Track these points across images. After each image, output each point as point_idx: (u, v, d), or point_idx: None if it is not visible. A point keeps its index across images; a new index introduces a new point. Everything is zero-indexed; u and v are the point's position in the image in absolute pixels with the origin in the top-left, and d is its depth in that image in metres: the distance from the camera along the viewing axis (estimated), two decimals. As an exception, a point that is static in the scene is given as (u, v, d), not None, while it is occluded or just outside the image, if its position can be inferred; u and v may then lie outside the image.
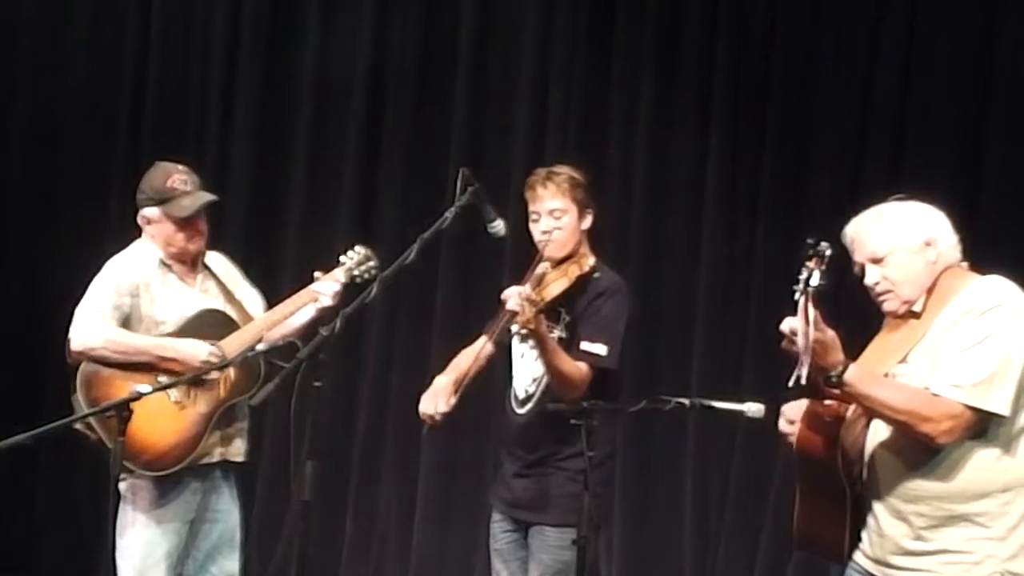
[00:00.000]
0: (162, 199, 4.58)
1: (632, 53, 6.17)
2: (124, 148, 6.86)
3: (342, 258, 4.73)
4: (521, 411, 4.40)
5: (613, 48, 6.23)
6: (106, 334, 4.44)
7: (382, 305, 6.21)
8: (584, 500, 4.02)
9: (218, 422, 4.56)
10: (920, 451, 3.32)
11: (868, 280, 3.45)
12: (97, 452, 4.34)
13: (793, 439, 3.48)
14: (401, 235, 5.99)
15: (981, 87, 5.64)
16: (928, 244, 3.43)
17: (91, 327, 4.45)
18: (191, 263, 4.67)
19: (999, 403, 3.25)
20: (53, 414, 4.07)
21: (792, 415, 3.48)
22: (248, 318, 4.67)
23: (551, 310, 4.27)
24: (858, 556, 3.47)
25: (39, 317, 6.56)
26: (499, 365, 4.59)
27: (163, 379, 4.40)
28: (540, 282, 4.24)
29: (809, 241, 3.15)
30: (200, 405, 4.53)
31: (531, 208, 4.40)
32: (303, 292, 4.65)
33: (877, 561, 3.42)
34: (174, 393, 4.47)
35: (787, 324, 3.16)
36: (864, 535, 3.45)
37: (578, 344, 4.27)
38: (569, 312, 4.33)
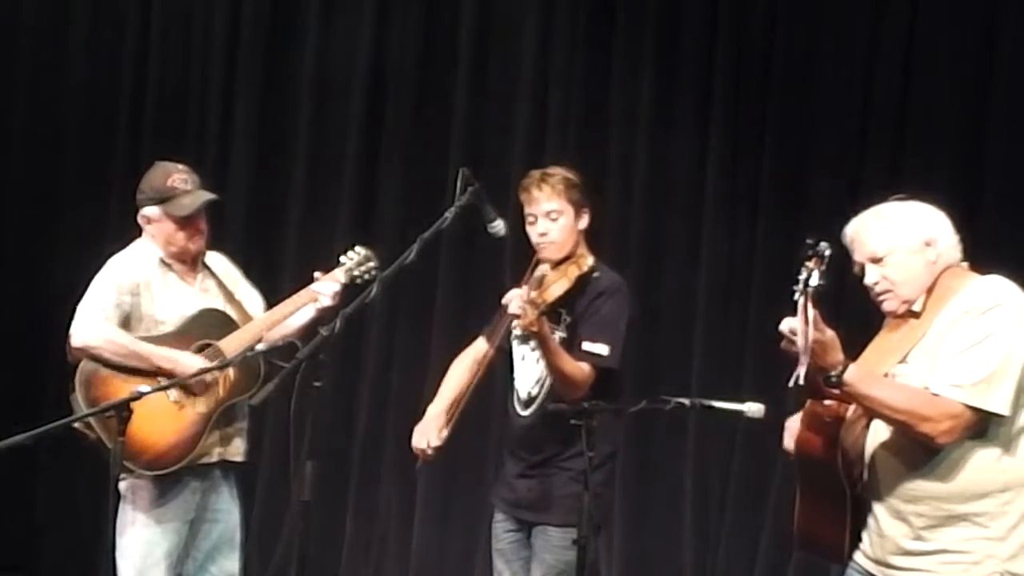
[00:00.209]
0: (162, 198, 4.59)
1: (632, 53, 6.17)
2: (124, 148, 6.86)
3: (342, 258, 4.74)
4: (525, 413, 4.41)
5: (613, 48, 6.23)
6: (107, 334, 4.44)
7: (382, 305, 6.21)
8: (584, 500, 4.02)
9: (217, 422, 4.56)
10: (920, 451, 3.32)
11: (868, 280, 3.45)
12: (97, 452, 4.34)
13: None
14: (401, 235, 5.99)
15: (981, 87, 5.64)
16: (928, 244, 3.43)
17: (92, 325, 4.45)
18: (191, 262, 4.68)
19: (999, 403, 3.25)
20: (53, 414, 4.07)
21: (795, 435, 3.49)
22: (248, 318, 4.67)
23: (552, 311, 4.27)
24: (858, 556, 3.47)
25: (39, 317, 6.56)
26: (500, 367, 4.59)
27: (163, 379, 4.40)
28: (540, 284, 4.24)
29: (808, 241, 3.15)
30: (199, 405, 4.53)
31: (527, 210, 4.40)
32: (303, 292, 4.65)
33: (877, 561, 3.42)
34: (173, 393, 4.47)
35: (786, 324, 3.16)
36: (864, 535, 3.46)
37: (579, 344, 4.27)
38: (570, 313, 4.33)
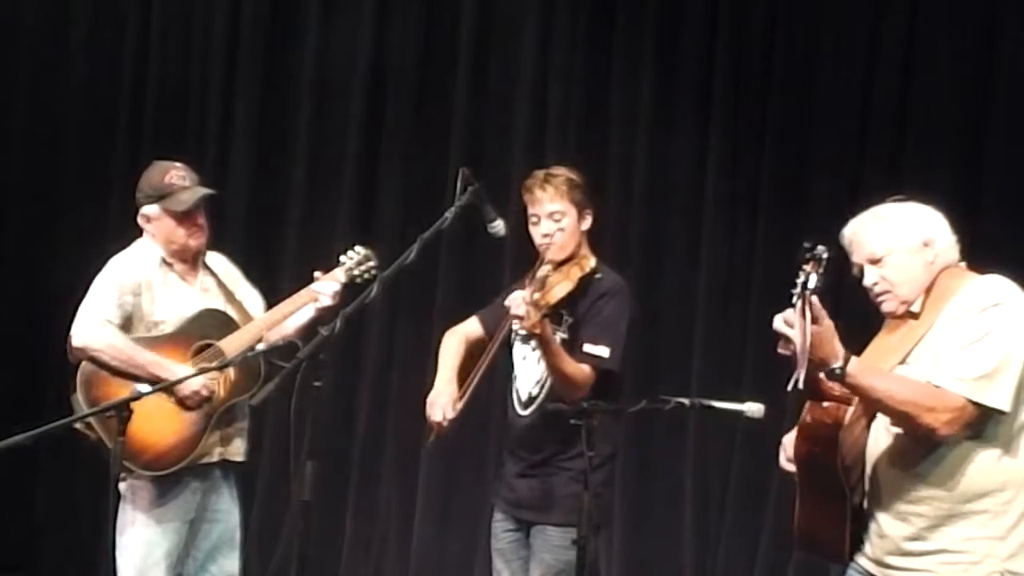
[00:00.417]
0: (160, 195, 4.59)
1: (632, 53, 6.17)
2: (124, 148, 6.86)
3: (342, 258, 4.74)
4: (524, 413, 4.41)
5: (613, 48, 6.23)
6: (109, 339, 4.44)
7: (382, 305, 6.21)
8: (584, 500, 4.02)
9: (218, 422, 4.56)
10: (920, 451, 3.32)
11: (867, 281, 3.46)
12: (97, 452, 4.34)
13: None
14: (401, 235, 5.99)
15: (981, 87, 5.64)
16: (926, 244, 3.43)
17: (94, 328, 4.45)
18: (192, 262, 4.68)
19: (1000, 399, 3.25)
20: (53, 414, 4.06)
21: (791, 452, 3.49)
22: (248, 318, 4.67)
23: (553, 312, 4.27)
24: (859, 556, 3.47)
25: (39, 317, 6.57)
26: (500, 367, 4.59)
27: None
28: (543, 285, 4.24)
29: (806, 245, 3.15)
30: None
31: (530, 211, 4.40)
32: (303, 292, 4.65)
33: (877, 562, 3.42)
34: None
35: (779, 321, 3.16)
36: (865, 536, 3.46)
37: (580, 346, 4.27)
38: (571, 314, 4.33)
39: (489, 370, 4.40)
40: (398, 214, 6.43)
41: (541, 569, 4.32)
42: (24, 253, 6.95)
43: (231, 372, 4.55)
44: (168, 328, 4.55)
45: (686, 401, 4.16)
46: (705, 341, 5.98)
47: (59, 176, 7.00)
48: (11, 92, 7.08)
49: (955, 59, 5.67)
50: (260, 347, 4.54)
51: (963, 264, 3.49)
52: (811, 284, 3.11)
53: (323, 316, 4.56)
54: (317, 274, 4.68)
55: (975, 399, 3.23)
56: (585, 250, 4.41)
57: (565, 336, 4.31)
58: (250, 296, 4.81)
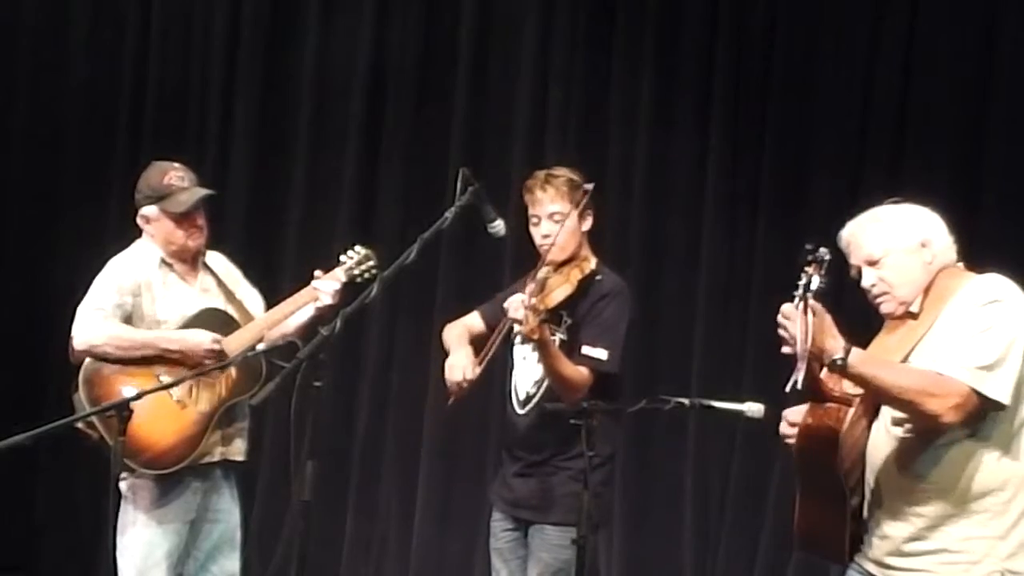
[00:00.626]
0: (159, 196, 4.59)
1: (632, 53, 6.17)
2: (124, 148, 6.86)
3: (342, 257, 4.73)
4: (522, 412, 4.41)
5: (613, 48, 6.23)
6: (109, 331, 4.45)
7: (382, 305, 6.21)
8: (584, 499, 4.02)
9: (219, 421, 4.56)
10: (920, 451, 3.32)
11: (865, 283, 3.46)
12: (97, 452, 4.34)
13: (793, 442, 3.48)
14: (401, 235, 5.99)
15: (981, 87, 5.64)
16: (923, 245, 3.44)
17: (94, 325, 4.46)
18: (192, 262, 4.68)
19: (1000, 391, 3.25)
20: (53, 414, 4.06)
21: (793, 418, 3.48)
22: (249, 317, 4.67)
23: (553, 313, 4.27)
24: (859, 557, 3.47)
25: (39, 317, 6.57)
26: (500, 366, 4.59)
27: (165, 378, 4.41)
28: (543, 288, 4.24)
29: (808, 247, 3.15)
30: (201, 404, 4.53)
31: (531, 211, 4.39)
32: (303, 291, 4.65)
33: (877, 562, 3.42)
34: (176, 392, 4.47)
35: (784, 310, 3.16)
36: (865, 536, 3.46)
37: (579, 348, 4.27)
38: (571, 315, 4.33)
39: (502, 347, 4.39)
40: (398, 214, 6.43)
41: (539, 568, 4.32)
42: (24, 253, 6.95)
43: (232, 371, 4.55)
44: (169, 328, 4.55)
45: (686, 401, 4.16)
46: (705, 341, 5.98)
47: (59, 176, 7.00)
48: (11, 92, 7.08)
49: (955, 59, 5.67)
50: (260, 347, 4.54)
51: (961, 264, 3.49)
52: (813, 286, 3.11)
53: (323, 315, 4.56)
54: (317, 273, 4.68)
55: (978, 388, 3.23)
56: (586, 251, 4.41)
57: (564, 337, 4.31)
58: (250, 295, 4.81)
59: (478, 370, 4.30)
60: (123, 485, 4.45)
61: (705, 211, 6.04)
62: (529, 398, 4.39)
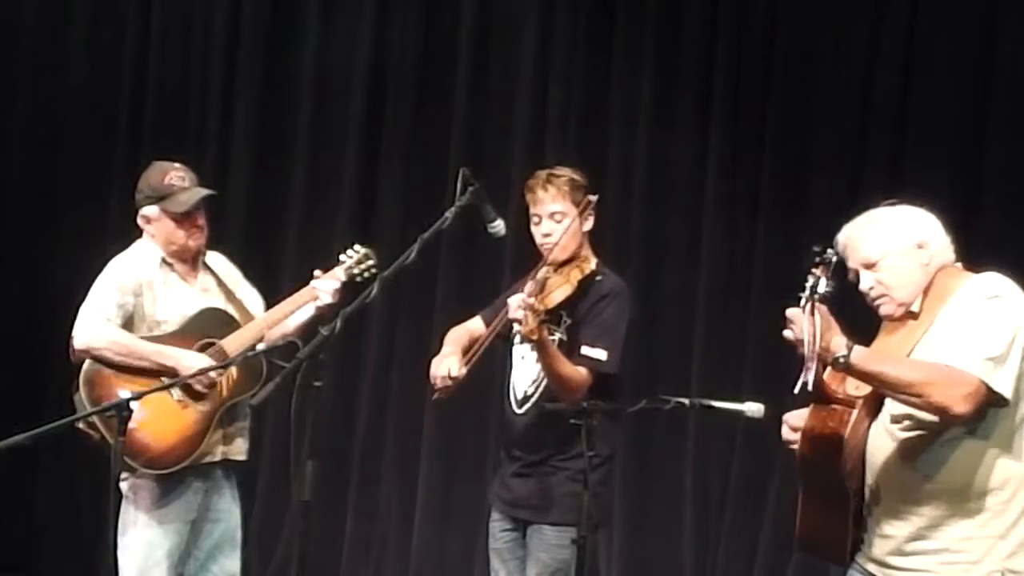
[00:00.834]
0: (160, 196, 4.59)
1: (632, 53, 6.17)
2: (124, 148, 6.86)
3: (342, 257, 4.74)
4: (520, 411, 4.40)
5: (613, 48, 6.23)
6: (110, 335, 4.45)
7: (382, 305, 6.21)
8: (584, 499, 4.02)
9: (220, 421, 4.56)
10: (920, 450, 3.32)
11: (863, 286, 3.46)
12: (97, 452, 4.34)
13: (795, 447, 3.48)
14: (401, 235, 5.99)
15: (981, 87, 5.64)
16: (920, 247, 3.44)
17: (95, 327, 4.46)
18: (192, 262, 4.68)
19: (1004, 385, 3.24)
20: (53, 414, 4.06)
21: (794, 423, 3.48)
22: (249, 317, 4.67)
23: (553, 313, 4.26)
24: (859, 556, 3.46)
25: (39, 317, 6.57)
26: (500, 365, 4.59)
27: (165, 378, 4.41)
28: (543, 287, 4.23)
29: (816, 248, 3.15)
30: (203, 404, 4.53)
31: (532, 211, 4.39)
32: (303, 291, 4.65)
33: (878, 562, 3.42)
34: (177, 392, 4.47)
35: (791, 316, 3.16)
36: (865, 535, 3.46)
37: (579, 348, 4.26)
38: (570, 315, 4.32)
39: (494, 344, 4.39)
40: (398, 214, 6.43)
41: (537, 569, 4.32)
42: (24, 253, 6.95)
43: (233, 371, 4.55)
44: (170, 327, 4.55)
45: (686, 401, 4.16)
46: (705, 341, 5.99)
47: (59, 176, 6.99)
48: (11, 92, 7.07)
49: (955, 59, 5.68)
50: (260, 346, 4.54)
51: (959, 264, 3.49)
52: (820, 288, 3.11)
53: (323, 315, 4.56)
54: (317, 273, 4.68)
55: (987, 380, 3.22)
56: (586, 251, 4.40)
57: (563, 338, 4.30)
58: (250, 295, 4.81)
59: (464, 369, 4.29)
60: (124, 485, 4.45)
61: (705, 211, 6.04)
62: (527, 398, 4.39)
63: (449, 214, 4.03)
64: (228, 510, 4.70)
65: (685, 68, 6.10)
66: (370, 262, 4.74)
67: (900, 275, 3.42)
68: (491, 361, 4.63)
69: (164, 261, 4.62)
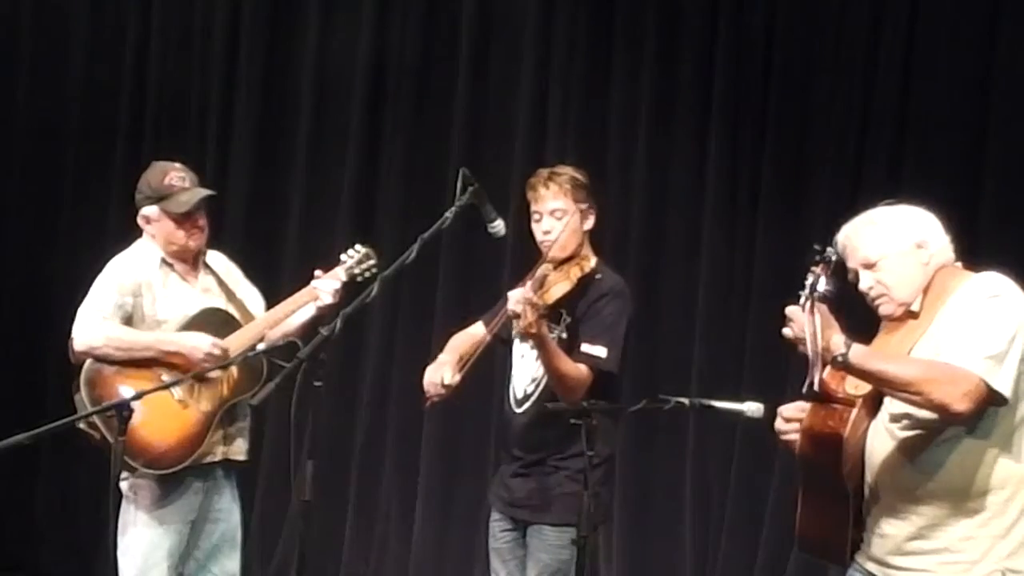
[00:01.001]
0: (160, 196, 4.59)
1: (632, 53, 6.17)
2: (124, 148, 6.87)
3: (342, 257, 4.74)
4: (519, 410, 4.40)
5: (613, 48, 6.23)
6: (108, 332, 4.45)
7: (382, 305, 6.21)
8: (584, 499, 4.02)
9: (220, 421, 4.56)
10: (919, 450, 3.32)
11: (862, 286, 3.46)
12: (98, 451, 4.34)
13: (789, 438, 3.47)
14: (401, 235, 5.99)
15: (981, 87, 5.64)
16: (919, 246, 3.44)
17: (93, 327, 4.46)
18: (192, 262, 4.68)
19: (1004, 383, 3.24)
20: (53, 414, 4.07)
21: (789, 414, 3.48)
22: (249, 317, 4.67)
23: (552, 311, 4.26)
24: (859, 556, 3.46)
25: (39, 318, 6.57)
26: (500, 365, 4.59)
27: (166, 377, 4.41)
28: (542, 284, 4.23)
29: (816, 247, 3.15)
30: (203, 404, 4.53)
31: (533, 208, 4.40)
32: (304, 291, 4.65)
33: (878, 561, 3.42)
34: (177, 392, 4.47)
35: (790, 315, 3.16)
36: (864, 535, 3.46)
37: (579, 346, 4.27)
38: (570, 313, 4.32)
39: (488, 350, 4.39)
40: (398, 214, 6.43)
41: (538, 569, 4.32)
42: (24, 253, 6.96)
43: (233, 371, 4.55)
44: (170, 327, 4.55)
45: (686, 401, 4.15)
46: (705, 341, 5.98)
47: (59, 176, 7.00)
48: (11, 92, 7.08)
49: (955, 59, 5.67)
50: (261, 346, 4.54)
51: (959, 264, 3.50)
52: (820, 287, 3.11)
53: (324, 315, 4.56)
54: (318, 273, 4.68)
55: (987, 378, 3.22)
56: (586, 250, 4.40)
57: (563, 336, 4.30)
58: (251, 295, 4.81)
59: (458, 376, 4.29)
60: (124, 485, 4.45)
61: (705, 211, 6.04)
62: (527, 397, 4.39)
63: (449, 214, 4.04)
64: (228, 510, 4.70)
65: (685, 68, 6.09)
66: (371, 262, 4.74)
67: (899, 275, 3.42)
68: (491, 361, 4.64)
69: (164, 261, 4.62)
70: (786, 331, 3.19)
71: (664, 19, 6.11)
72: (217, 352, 4.46)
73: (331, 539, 6.45)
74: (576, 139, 6.23)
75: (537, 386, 4.36)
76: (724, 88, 6.01)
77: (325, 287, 4.62)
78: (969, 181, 5.58)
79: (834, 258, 3.17)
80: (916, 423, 3.32)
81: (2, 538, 6.83)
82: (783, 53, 5.94)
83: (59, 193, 6.98)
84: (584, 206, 4.36)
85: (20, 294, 6.97)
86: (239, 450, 4.67)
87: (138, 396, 3.96)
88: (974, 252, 3.56)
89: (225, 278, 4.75)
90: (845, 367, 3.22)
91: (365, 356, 6.55)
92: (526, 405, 4.38)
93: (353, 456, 6.53)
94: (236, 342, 4.53)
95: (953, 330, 3.30)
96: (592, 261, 4.38)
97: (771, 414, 4.02)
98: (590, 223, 4.40)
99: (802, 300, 3.12)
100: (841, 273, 3.35)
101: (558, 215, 4.32)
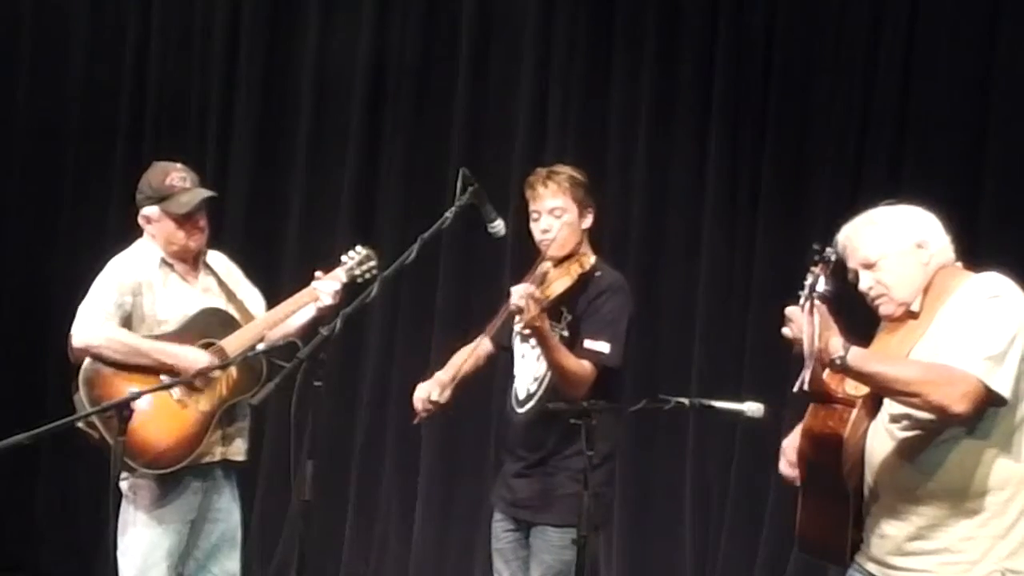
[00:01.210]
0: (161, 197, 4.59)
1: (632, 53, 6.17)
2: (124, 148, 6.87)
3: (343, 257, 4.74)
4: (521, 410, 4.41)
5: (613, 48, 6.23)
6: (107, 332, 4.45)
7: (382, 305, 6.21)
8: (584, 499, 4.02)
9: (220, 421, 4.57)
10: (919, 450, 3.33)
11: (862, 286, 3.46)
12: (98, 451, 4.34)
13: (790, 479, 3.50)
14: (401, 235, 5.99)
15: (981, 87, 5.64)
16: (919, 246, 3.44)
17: (93, 325, 4.46)
18: (192, 262, 4.68)
19: (1003, 384, 3.25)
20: (53, 414, 4.07)
21: (792, 456, 3.50)
22: (249, 317, 4.68)
23: (553, 309, 4.27)
24: (859, 557, 3.47)
25: (39, 317, 6.57)
26: (500, 365, 4.58)
27: (165, 378, 4.41)
28: (543, 280, 4.24)
29: (815, 247, 3.16)
30: (202, 404, 4.53)
31: (531, 207, 4.40)
32: (304, 291, 4.65)
33: (878, 561, 3.42)
34: (176, 391, 4.47)
35: (789, 314, 3.16)
36: (864, 535, 3.46)
37: (581, 343, 4.27)
38: (571, 311, 4.33)
39: (486, 363, 4.41)
40: (398, 214, 6.43)
41: (541, 569, 4.32)
42: (24, 253, 6.96)
43: (233, 371, 4.56)
44: (170, 327, 4.55)
45: (686, 401, 4.15)
46: (705, 341, 5.98)
47: (59, 176, 7.00)
48: (11, 92, 7.08)
49: (955, 59, 5.67)
50: (261, 347, 4.54)
51: (959, 264, 3.50)
52: (819, 287, 3.11)
53: (324, 315, 4.57)
54: (318, 273, 4.69)
55: (985, 380, 3.22)
56: (585, 248, 4.41)
57: (565, 333, 4.30)
58: (251, 295, 4.81)
59: (447, 394, 4.31)
60: (124, 485, 4.45)
61: (705, 211, 6.04)
62: (529, 396, 4.39)
63: (449, 214, 4.04)
64: (228, 510, 4.70)
65: (685, 68, 6.09)
66: (371, 263, 4.74)
67: (899, 275, 3.43)
68: (491, 362, 4.64)
69: (164, 261, 4.62)
70: (786, 331, 3.20)
71: (664, 19, 6.11)
72: (214, 374, 4.47)
73: (331, 539, 6.45)
74: (576, 139, 6.23)
75: (539, 385, 4.36)
76: (724, 88, 6.01)
77: (325, 288, 4.62)
78: (969, 181, 5.58)
79: (834, 258, 3.17)
80: (916, 423, 3.32)
81: (2, 538, 6.83)
82: (783, 53, 5.93)
83: (59, 193, 6.98)
84: (582, 205, 4.37)
85: (20, 294, 6.97)
86: (238, 450, 4.67)
87: (137, 396, 3.96)
88: (974, 252, 3.56)
89: (225, 278, 4.75)
90: (843, 370, 3.22)
91: (365, 356, 6.55)
92: (528, 405, 4.39)
93: (353, 456, 6.53)
94: (236, 342, 4.53)
95: (953, 330, 3.30)
96: (591, 259, 4.39)
97: (771, 414, 4.05)
98: (588, 221, 4.40)
99: (802, 300, 3.12)
100: (841, 273, 3.35)
101: (557, 214, 4.32)
